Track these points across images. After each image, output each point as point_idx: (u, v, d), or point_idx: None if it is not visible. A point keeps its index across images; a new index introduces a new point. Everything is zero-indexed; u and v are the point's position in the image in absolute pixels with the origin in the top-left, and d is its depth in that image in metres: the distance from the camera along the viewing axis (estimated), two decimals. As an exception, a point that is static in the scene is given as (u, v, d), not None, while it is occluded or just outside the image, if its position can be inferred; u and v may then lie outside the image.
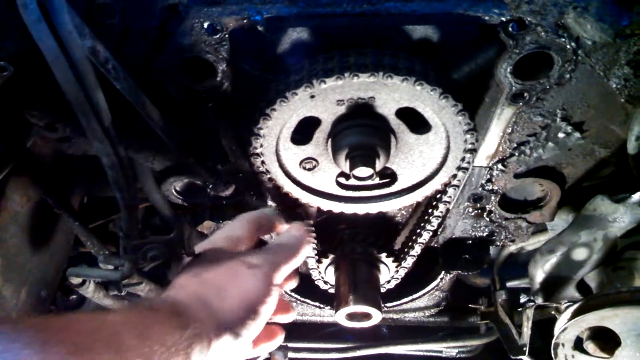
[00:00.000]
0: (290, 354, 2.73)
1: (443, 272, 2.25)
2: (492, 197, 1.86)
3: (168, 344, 1.07)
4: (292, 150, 1.51)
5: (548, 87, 1.44)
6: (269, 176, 1.58)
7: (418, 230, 1.91)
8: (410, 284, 2.34)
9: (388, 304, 2.40)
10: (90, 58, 1.21)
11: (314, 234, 1.88)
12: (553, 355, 1.89)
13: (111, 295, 2.25)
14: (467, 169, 1.55)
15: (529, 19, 1.30)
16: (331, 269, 2.07)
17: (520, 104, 1.47)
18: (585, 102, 1.52)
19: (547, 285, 2.00)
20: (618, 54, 1.37)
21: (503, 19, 1.31)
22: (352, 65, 1.31)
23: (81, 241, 2.14)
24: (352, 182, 1.58)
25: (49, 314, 2.08)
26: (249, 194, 1.86)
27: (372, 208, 1.68)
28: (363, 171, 1.41)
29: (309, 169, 1.57)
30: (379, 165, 1.43)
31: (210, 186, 1.83)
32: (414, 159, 1.54)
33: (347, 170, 1.44)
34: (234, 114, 1.56)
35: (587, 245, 1.87)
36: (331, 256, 2.04)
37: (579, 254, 1.90)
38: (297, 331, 2.72)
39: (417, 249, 1.96)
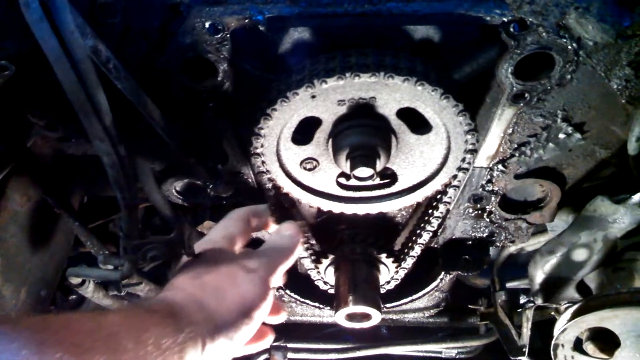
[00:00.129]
0: (290, 355, 2.74)
1: (443, 272, 2.26)
2: (493, 198, 1.86)
3: (163, 347, 1.08)
4: (292, 150, 1.51)
5: (549, 87, 1.45)
6: (269, 176, 1.58)
7: (418, 231, 1.91)
8: (410, 285, 2.34)
9: (388, 305, 2.40)
10: (92, 57, 1.21)
11: (306, 235, 1.89)
12: (553, 356, 1.89)
13: (111, 295, 2.25)
14: (467, 169, 1.55)
15: (530, 19, 1.30)
16: (331, 269, 2.07)
17: (521, 104, 1.47)
18: (586, 103, 1.52)
19: (546, 286, 2.01)
20: (619, 54, 1.37)
21: (504, 19, 1.31)
22: (354, 65, 1.31)
23: (81, 241, 2.14)
24: (353, 182, 1.58)
25: (47, 313, 2.07)
26: (248, 194, 1.86)
27: (372, 208, 1.68)
28: (363, 171, 1.41)
29: (310, 169, 1.57)
30: (379, 165, 1.43)
31: (211, 186, 1.83)
32: (414, 160, 1.54)
33: (347, 171, 1.44)
34: (235, 114, 1.56)
35: (587, 246, 1.87)
36: (331, 256, 2.04)
37: (579, 254, 1.90)
38: (296, 332, 2.72)
39: (417, 250, 1.95)
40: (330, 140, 1.46)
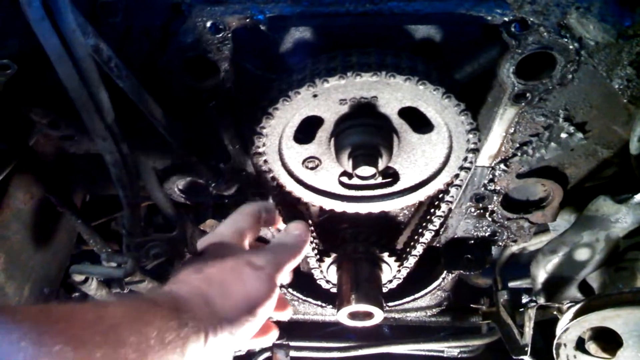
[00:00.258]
0: (292, 353, 2.74)
1: (445, 271, 2.26)
2: (495, 197, 1.86)
3: (166, 341, 1.07)
4: (294, 149, 1.51)
5: (550, 87, 1.44)
6: (271, 175, 1.58)
7: (420, 230, 1.91)
8: (412, 284, 2.34)
9: (390, 303, 2.40)
10: (93, 56, 1.21)
11: (313, 233, 1.89)
12: (555, 356, 1.89)
13: (114, 292, 2.25)
14: (469, 168, 1.55)
15: (531, 19, 1.30)
16: (333, 268, 2.07)
17: (523, 104, 1.47)
18: (587, 103, 1.52)
19: (549, 286, 2.00)
20: (621, 54, 1.37)
21: (505, 19, 1.31)
22: (355, 65, 1.31)
23: (84, 239, 2.14)
24: (355, 181, 1.58)
25: (50, 304, 2.08)
26: (251, 192, 1.86)
27: (375, 207, 1.68)
28: (366, 170, 1.41)
29: (312, 168, 1.57)
30: (381, 164, 1.43)
31: (213, 185, 1.83)
32: (416, 159, 1.54)
33: (349, 170, 1.44)
34: (237, 113, 1.57)
35: (589, 245, 1.87)
36: (333, 255, 2.04)
37: (581, 254, 1.89)
38: (298, 330, 2.72)
39: (419, 249, 1.95)
40: (332, 139, 1.47)
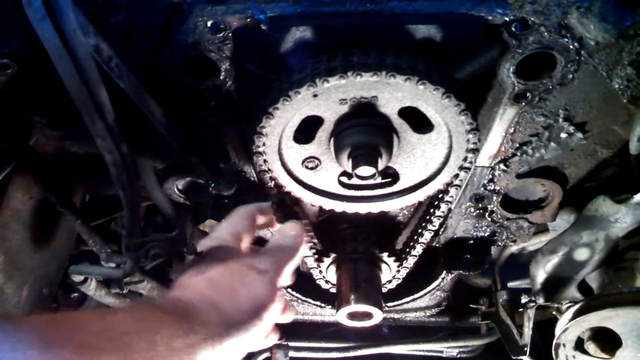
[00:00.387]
0: (291, 353, 2.74)
1: (444, 272, 2.26)
2: (494, 197, 1.86)
3: (174, 349, 1.07)
4: (294, 149, 1.51)
5: (551, 87, 1.44)
6: (271, 175, 1.58)
7: (420, 230, 1.91)
8: (412, 284, 2.34)
9: (389, 304, 2.40)
10: (94, 56, 1.21)
11: (310, 233, 1.89)
12: (554, 356, 1.89)
13: (113, 293, 2.25)
14: (469, 168, 1.55)
15: (532, 19, 1.30)
16: (332, 268, 2.07)
17: (523, 104, 1.47)
18: (587, 103, 1.52)
19: (548, 286, 2.01)
20: (621, 54, 1.37)
21: (506, 18, 1.31)
22: (355, 65, 1.31)
23: (83, 239, 2.14)
24: (355, 181, 1.58)
25: (56, 312, 2.08)
26: (250, 192, 1.86)
27: (374, 207, 1.68)
28: (365, 170, 1.41)
29: (312, 168, 1.57)
30: (381, 164, 1.43)
31: (213, 185, 1.83)
32: (416, 159, 1.54)
33: (349, 170, 1.44)
34: (237, 113, 1.57)
35: (588, 245, 1.87)
36: (332, 255, 2.04)
37: (581, 254, 1.90)
38: (298, 330, 2.73)
39: (418, 249, 1.95)
40: (332, 139, 1.46)
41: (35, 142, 1.80)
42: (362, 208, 1.69)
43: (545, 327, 2.20)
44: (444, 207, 1.77)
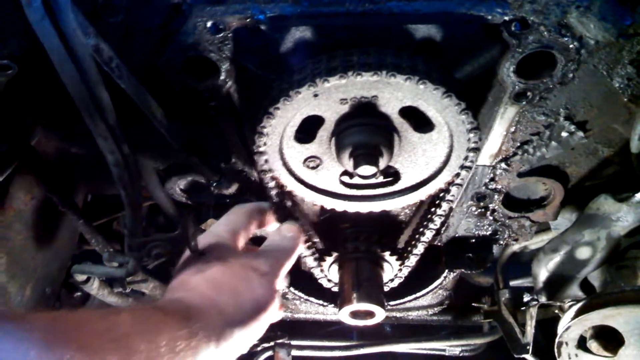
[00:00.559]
0: (294, 352, 2.74)
1: (446, 270, 2.25)
2: (496, 196, 1.86)
3: (176, 350, 1.07)
4: (295, 148, 1.51)
5: (551, 86, 1.44)
6: (272, 174, 1.58)
7: (421, 229, 1.91)
8: (414, 283, 2.34)
9: (391, 302, 2.40)
10: (94, 56, 1.21)
11: (309, 233, 1.89)
12: (556, 354, 1.89)
13: (115, 292, 2.26)
14: (470, 167, 1.55)
15: (531, 18, 1.30)
16: (335, 267, 2.07)
17: (524, 103, 1.47)
18: (588, 102, 1.52)
19: (550, 284, 2.01)
20: (621, 53, 1.37)
21: (506, 18, 1.31)
22: (356, 64, 1.31)
23: (85, 239, 2.15)
24: (356, 180, 1.59)
25: (58, 311, 2.08)
26: (252, 192, 1.86)
27: (376, 206, 1.68)
28: (366, 170, 1.41)
29: (313, 168, 1.57)
30: (382, 163, 1.43)
31: (214, 184, 1.83)
32: (417, 158, 1.54)
33: (350, 169, 1.45)
34: (237, 113, 1.57)
35: (590, 244, 1.87)
36: (334, 254, 2.04)
37: (583, 253, 1.90)
38: (300, 329, 2.73)
39: (420, 248, 1.96)
40: (333, 138, 1.47)
41: (37, 142, 1.80)
42: (364, 207, 1.69)
43: (547, 326, 2.20)
44: (445, 206, 1.77)
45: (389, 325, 2.91)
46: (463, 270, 2.15)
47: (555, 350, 1.88)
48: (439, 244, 2.10)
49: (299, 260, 1.95)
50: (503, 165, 1.72)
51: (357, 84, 1.33)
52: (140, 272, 1.99)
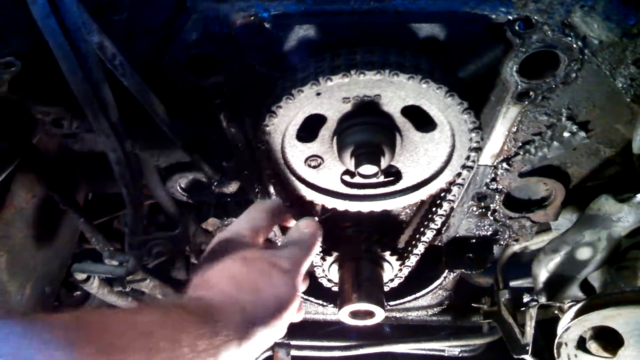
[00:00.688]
0: (293, 352, 2.74)
1: (446, 270, 2.26)
2: (497, 196, 1.86)
3: (199, 349, 1.07)
4: (297, 147, 1.51)
5: (554, 86, 1.44)
6: (273, 173, 1.58)
7: (422, 229, 1.91)
8: (414, 283, 2.34)
9: (391, 302, 2.41)
10: (98, 54, 1.21)
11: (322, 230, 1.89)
12: (556, 355, 1.89)
13: (116, 291, 2.25)
14: (472, 167, 1.55)
15: (535, 17, 1.30)
16: (335, 267, 2.07)
17: (526, 102, 1.47)
18: (590, 102, 1.52)
19: (550, 285, 2.01)
20: (624, 53, 1.38)
21: (510, 17, 1.31)
22: (359, 63, 1.31)
23: (86, 237, 2.14)
24: (357, 179, 1.58)
25: (58, 311, 2.07)
26: (253, 191, 1.86)
27: (377, 206, 1.68)
28: (368, 169, 1.41)
29: (314, 167, 1.57)
30: (384, 163, 1.43)
31: (215, 183, 1.83)
32: (419, 157, 1.54)
33: (352, 168, 1.44)
34: (240, 111, 1.57)
35: (591, 244, 1.87)
36: (335, 254, 2.04)
37: (583, 253, 1.90)
38: (299, 329, 2.72)
39: (420, 248, 1.96)
40: (335, 137, 1.47)
41: (39, 140, 1.79)
42: (365, 207, 1.69)
43: (547, 326, 2.20)
44: (446, 205, 1.77)
45: (389, 326, 2.91)
46: (463, 270, 2.16)
47: (555, 350, 1.88)
48: (440, 244, 2.10)
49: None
50: (504, 165, 1.72)
51: (360, 82, 1.33)
52: (140, 270, 1.98)
